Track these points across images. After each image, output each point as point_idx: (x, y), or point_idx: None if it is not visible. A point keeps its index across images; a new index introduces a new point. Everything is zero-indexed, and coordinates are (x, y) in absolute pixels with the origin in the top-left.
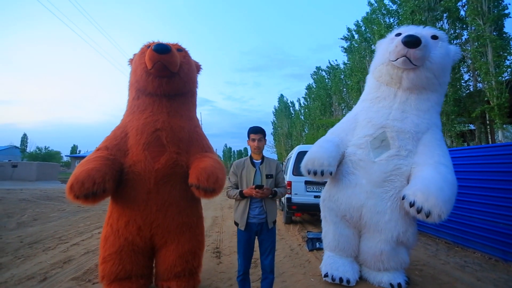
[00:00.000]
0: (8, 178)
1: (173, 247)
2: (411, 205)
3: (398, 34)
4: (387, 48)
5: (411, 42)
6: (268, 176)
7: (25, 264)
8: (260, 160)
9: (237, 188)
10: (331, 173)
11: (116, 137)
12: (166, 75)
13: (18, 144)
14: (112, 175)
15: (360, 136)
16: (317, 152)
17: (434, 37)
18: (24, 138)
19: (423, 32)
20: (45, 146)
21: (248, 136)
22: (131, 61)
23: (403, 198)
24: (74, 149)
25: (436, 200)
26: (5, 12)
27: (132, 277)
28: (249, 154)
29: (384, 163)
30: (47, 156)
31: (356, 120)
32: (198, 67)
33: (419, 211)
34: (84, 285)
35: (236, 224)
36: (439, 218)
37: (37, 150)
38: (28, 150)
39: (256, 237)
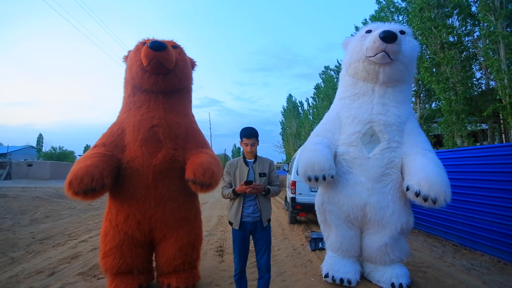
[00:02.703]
0: (24, 177)
1: (172, 240)
2: (417, 194)
3: (369, 31)
4: (361, 45)
5: (389, 37)
6: (261, 175)
7: (35, 259)
8: (253, 160)
9: (231, 188)
10: (332, 176)
11: (113, 134)
12: (162, 72)
13: (34, 144)
14: (110, 171)
15: (349, 133)
16: (314, 156)
17: (402, 32)
18: (40, 138)
19: (393, 27)
20: (60, 146)
21: (241, 139)
22: (126, 58)
23: (407, 189)
24: (87, 149)
25: (440, 186)
26: (20, 15)
27: (133, 272)
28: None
29: (379, 157)
30: (61, 156)
31: (340, 119)
32: (193, 64)
33: (425, 199)
34: (89, 280)
35: (230, 223)
36: (445, 203)
37: (52, 149)
38: (43, 149)
39: (251, 236)
